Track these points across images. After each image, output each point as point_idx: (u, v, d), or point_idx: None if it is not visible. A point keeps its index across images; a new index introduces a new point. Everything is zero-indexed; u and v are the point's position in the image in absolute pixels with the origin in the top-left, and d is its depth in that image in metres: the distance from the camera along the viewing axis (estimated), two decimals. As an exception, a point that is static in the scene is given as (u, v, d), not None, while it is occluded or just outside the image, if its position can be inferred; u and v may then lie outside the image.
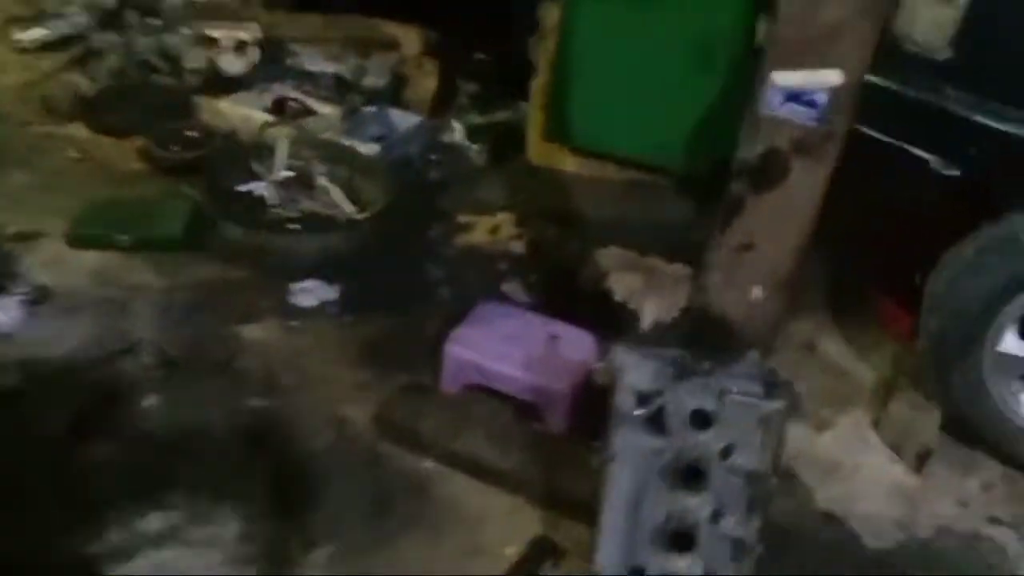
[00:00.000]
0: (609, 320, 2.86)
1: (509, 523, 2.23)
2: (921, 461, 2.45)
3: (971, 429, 2.47)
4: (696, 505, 1.82)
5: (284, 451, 2.37)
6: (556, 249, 3.19)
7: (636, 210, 3.42)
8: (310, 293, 2.84)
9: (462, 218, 3.27)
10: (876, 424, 2.57)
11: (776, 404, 1.70)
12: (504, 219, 3.30)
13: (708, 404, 1.76)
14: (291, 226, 3.01)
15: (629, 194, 3.49)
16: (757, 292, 1.67)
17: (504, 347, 2.40)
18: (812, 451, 2.50)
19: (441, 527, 2.21)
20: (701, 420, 1.78)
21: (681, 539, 1.83)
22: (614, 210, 3.39)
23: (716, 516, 1.81)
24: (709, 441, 1.78)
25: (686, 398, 1.77)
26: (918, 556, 2.25)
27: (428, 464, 2.36)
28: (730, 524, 1.80)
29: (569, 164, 3.59)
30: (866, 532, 2.29)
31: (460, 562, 2.14)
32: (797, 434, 2.53)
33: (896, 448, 2.51)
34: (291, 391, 2.55)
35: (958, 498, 2.41)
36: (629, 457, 1.83)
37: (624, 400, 1.79)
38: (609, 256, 3.21)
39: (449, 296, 2.92)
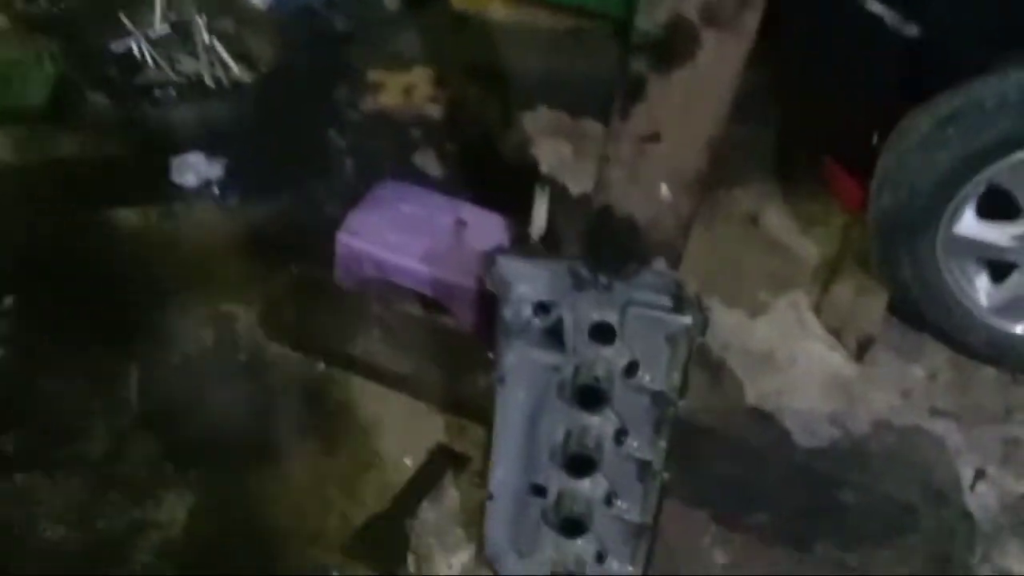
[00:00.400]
0: (530, 196, 2.59)
1: (408, 430, 2.03)
2: (862, 349, 2.26)
3: (919, 313, 2.26)
4: (597, 424, 1.62)
5: (159, 356, 2.13)
6: (477, 112, 2.85)
7: (570, 64, 3.05)
8: (191, 170, 2.51)
9: (371, 76, 2.90)
10: (817, 308, 2.37)
11: (685, 319, 1.46)
12: (420, 76, 2.93)
13: (610, 317, 1.53)
14: (169, 91, 2.64)
15: (563, 45, 3.11)
16: (665, 191, 1.40)
17: (403, 236, 2.13)
18: (745, 340, 2.29)
19: (334, 437, 2.01)
20: (602, 334, 1.55)
21: (582, 460, 1.64)
22: (545, 64, 3.01)
23: (619, 436, 1.61)
24: (611, 357, 1.55)
25: (586, 310, 1.53)
26: (851, 455, 2.08)
27: (321, 367, 2.13)
28: (634, 445, 1.61)
29: (496, 9, 3.17)
30: (798, 429, 2.12)
31: (354, 474, 1.95)
32: (730, 321, 2.33)
33: (837, 334, 2.31)
34: (168, 286, 2.28)
35: (900, 388, 2.23)
36: (523, 374, 1.61)
37: (514, 313, 1.54)
38: (536, 119, 2.89)
39: (353, 171, 2.60)
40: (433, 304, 2.14)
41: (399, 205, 2.19)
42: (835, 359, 2.27)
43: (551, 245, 1.87)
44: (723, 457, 2.03)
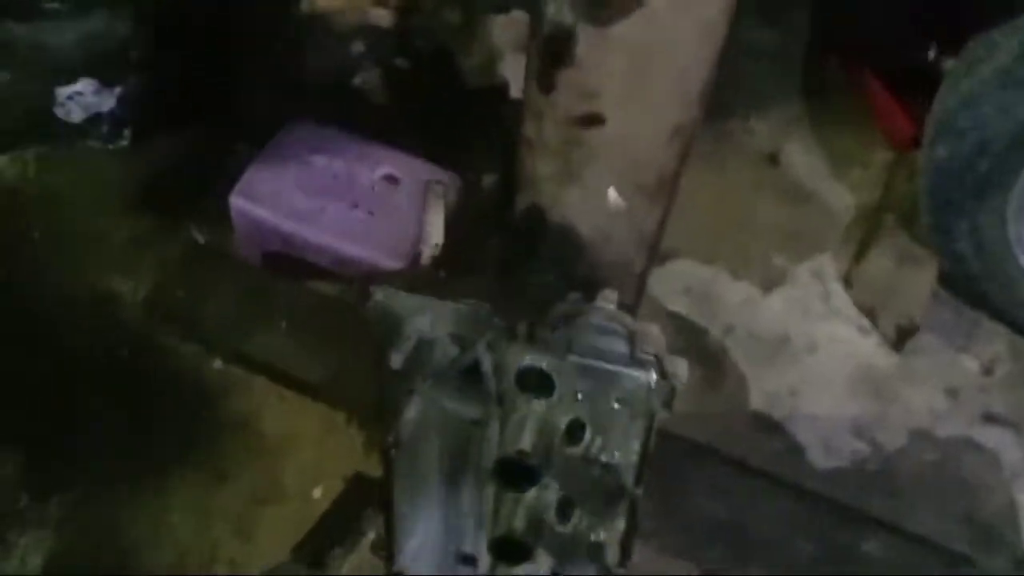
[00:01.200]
0: (498, 126, 2.10)
1: (321, 451, 1.63)
2: (903, 335, 1.80)
3: (976, 290, 1.78)
4: (534, 495, 1.20)
5: (22, 346, 1.73)
6: (434, 17, 2.32)
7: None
8: (80, 102, 2.04)
9: (308, -26, 2.37)
10: (847, 279, 1.89)
11: (642, 377, 1.02)
12: (368, -27, 2.40)
13: (544, 361, 1.09)
14: (51, 4, 2.14)
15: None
16: (615, 196, 0.94)
17: (314, 199, 1.67)
18: (753, 321, 1.84)
19: (227, 459, 1.62)
20: (534, 384, 1.12)
21: (512, 544, 1.24)
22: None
23: (563, 509, 1.20)
24: (548, 414, 1.12)
25: (511, 351, 1.09)
26: (879, 478, 1.66)
27: (217, 364, 1.73)
28: (583, 523, 1.20)
29: None
30: (814, 444, 1.70)
31: (250, 509, 1.57)
32: (735, 297, 1.88)
33: (871, 314, 1.84)
34: (39, 253, 1.86)
35: (946, 386, 1.78)
36: (432, 431, 1.19)
37: (409, 356, 1.11)
38: (507, 26, 2.36)
39: (277, 100, 2.11)
40: (355, 285, 1.70)
41: (310, 156, 1.72)
42: (867, 347, 1.81)
43: (466, 253, 1.40)
44: (717, 485, 1.61)
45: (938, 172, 1.64)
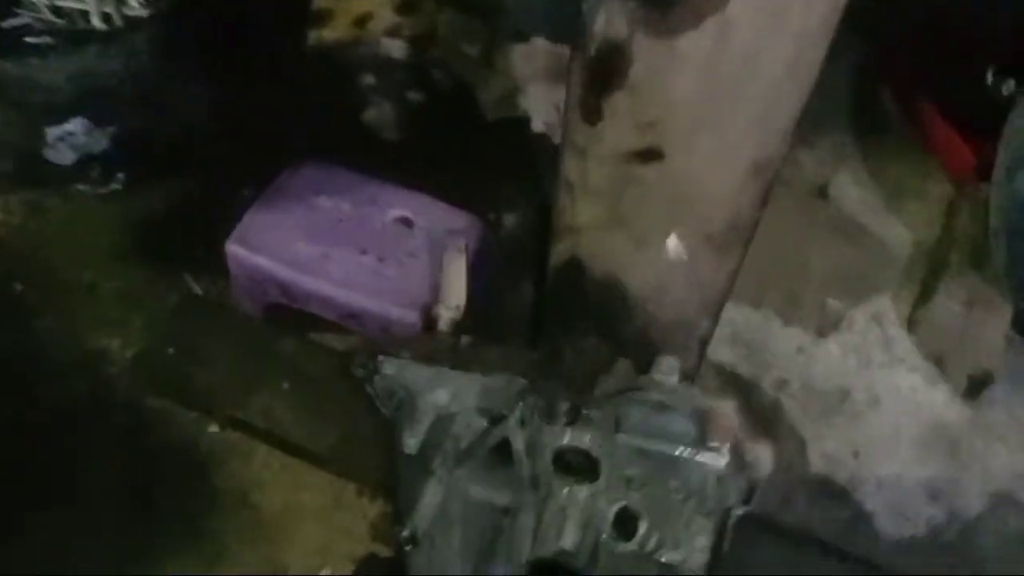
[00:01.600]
0: (520, 164, 1.95)
1: (328, 528, 1.46)
2: (976, 385, 1.62)
3: (1058, 335, 1.61)
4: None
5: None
6: (451, 48, 2.18)
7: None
8: (71, 142, 1.91)
9: (316, 2, 2.24)
10: (910, 323, 1.71)
11: (712, 462, 0.85)
12: (379, 1, 2.26)
13: (587, 441, 0.91)
14: (42, 39, 2.01)
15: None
16: (675, 246, 0.77)
17: (319, 245, 1.51)
18: (808, 372, 1.66)
19: (224, 537, 1.46)
20: (575, 466, 0.94)
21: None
22: (542, -21, 2.32)
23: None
24: (592, 501, 0.95)
25: (549, 428, 0.92)
26: (957, 548, 1.47)
27: (213, 429, 1.57)
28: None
29: (481, -92, 2.46)
30: (884, 511, 1.51)
31: (248, 598, 1.41)
32: (787, 345, 1.70)
33: (939, 362, 1.66)
34: (24, 307, 1.71)
35: (1027, 442, 1.60)
36: (454, 521, 1.01)
37: (424, 436, 0.94)
38: (529, 56, 2.22)
39: (282, 138, 1.97)
40: (361, 344, 1.53)
41: (315, 199, 1.56)
42: (936, 399, 1.63)
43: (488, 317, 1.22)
44: (775, 561, 1.43)
45: (1017, 206, 1.47)
